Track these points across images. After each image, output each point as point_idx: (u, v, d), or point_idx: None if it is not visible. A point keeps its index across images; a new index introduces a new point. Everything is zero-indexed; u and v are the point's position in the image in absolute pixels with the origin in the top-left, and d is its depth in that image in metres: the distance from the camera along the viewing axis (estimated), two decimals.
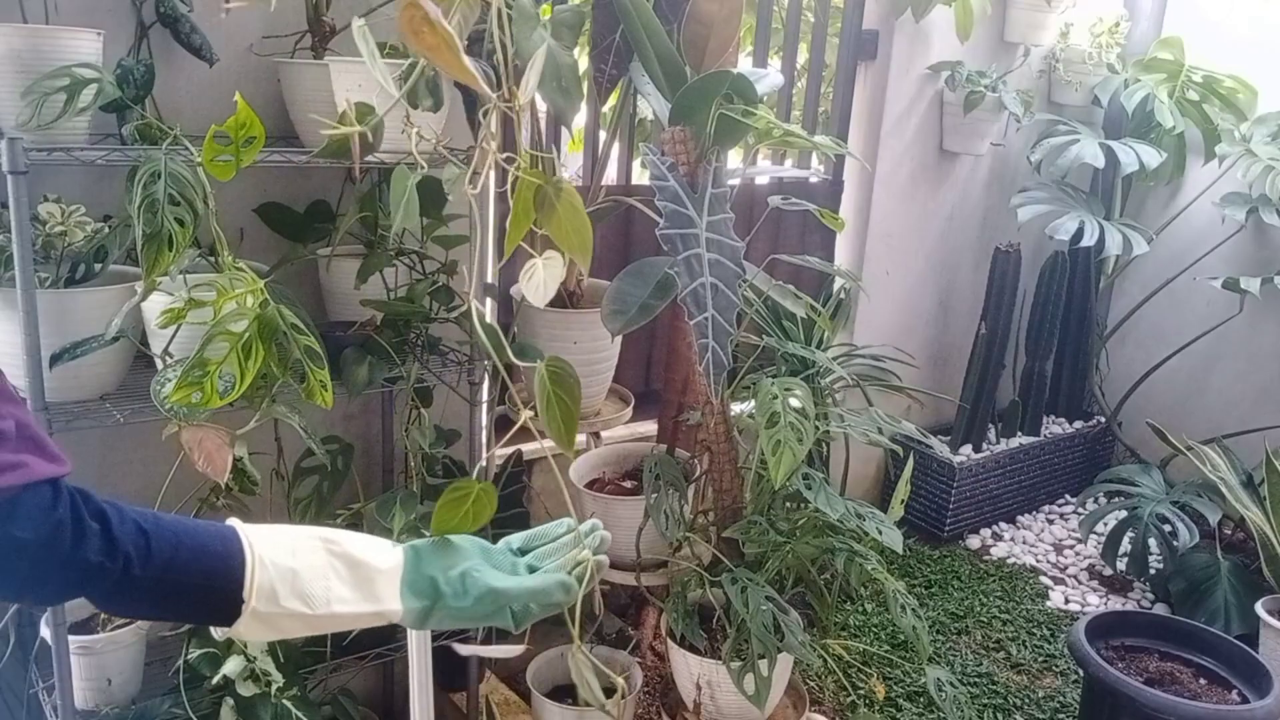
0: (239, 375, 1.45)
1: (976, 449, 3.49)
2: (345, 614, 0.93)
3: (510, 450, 2.42)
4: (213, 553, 0.87)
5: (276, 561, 0.90)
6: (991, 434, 3.57)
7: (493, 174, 2.07)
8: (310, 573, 0.91)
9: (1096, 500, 3.51)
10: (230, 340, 1.43)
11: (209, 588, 0.87)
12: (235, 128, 1.43)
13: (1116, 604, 3.15)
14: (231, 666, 1.67)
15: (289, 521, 2.00)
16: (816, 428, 1.95)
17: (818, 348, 2.67)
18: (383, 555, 0.97)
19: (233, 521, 0.92)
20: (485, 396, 2.13)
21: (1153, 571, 3.14)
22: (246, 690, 1.67)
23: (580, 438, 2.52)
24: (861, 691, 2.57)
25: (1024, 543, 3.49)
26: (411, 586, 0.97)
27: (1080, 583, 3.27)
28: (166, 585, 0.84)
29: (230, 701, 1.68)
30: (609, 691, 1.24)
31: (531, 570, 1.04)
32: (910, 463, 2.30)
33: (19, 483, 0.74)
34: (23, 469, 0.75)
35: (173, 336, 1.59)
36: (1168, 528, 3.04)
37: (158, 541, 0.83)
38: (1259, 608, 2.69)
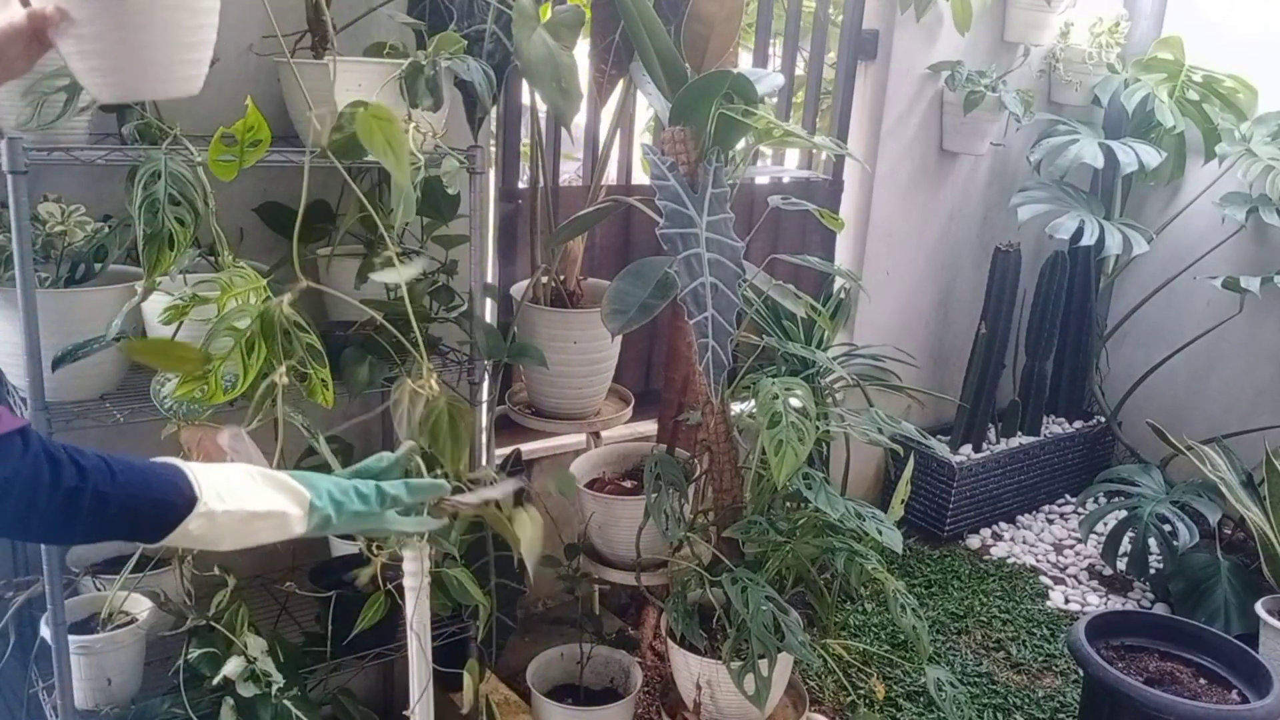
0: (242, 372, 1.45)
1: (976, 449, 3.49)
2: (267, 510, 1.11)
3: (510, 450, 2.42)
4: (159, 471, 1.05)
5: (209, 471, 1.09)
6: (991, 434, 3.57)
7: (493, 173, 2.07)
8: (237, 481, 1.10)
9: (1096, 500, 3.50)
10: (235, 336, 1.44)
11: (162, 500, 1.03)
12: (243, 130, 1.43)
13: (1116, 604, 3.15)
14: (232, 667, 1.66)
15: None
16: (817, 427, 1.95)
17: (818, 347, 2.67)
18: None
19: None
20: (485, 396, 2.13)
21: (1153, 571, 3.14)
22: (247, 691, 1.67)
23: (580, 437, 2.52)
24: (861, 691, 2.57)
25: (1024, 542, 3.49)
26: (315, 487, 1.17)
27: (1080, 582, 3.27)
28: (130, 500, 1.00)
29: (230, 701, 1.68)
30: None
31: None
32: (910, 463, 2.30)
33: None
34: None
35: (173, 336, 1.58)
36: (1168, 527, 3.04)
37: (116, 463, 1.00)
38: (1259, 607, 2.69)
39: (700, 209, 1.84)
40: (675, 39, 1.94)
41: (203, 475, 1.07)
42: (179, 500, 1.04)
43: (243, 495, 1.09)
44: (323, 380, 1.50)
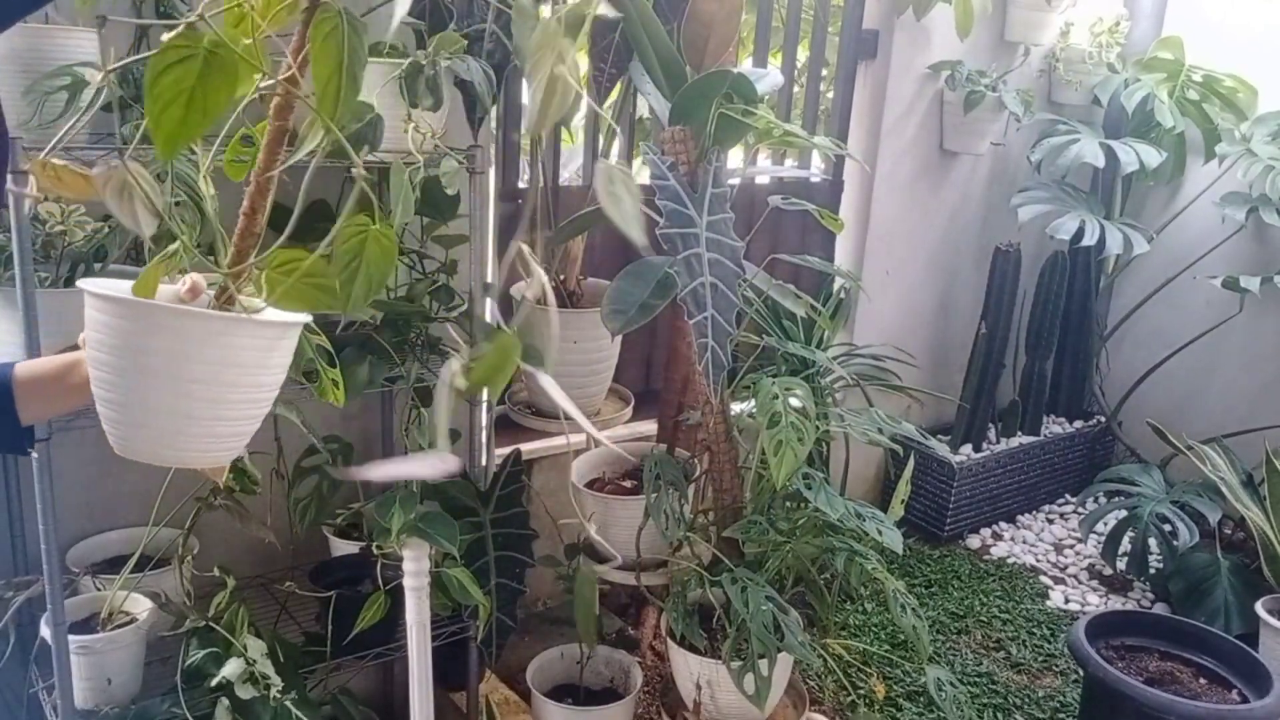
0: None
1: (976, 449, 3.49)
2: None
3: (510, 450, 2.42)
4: None
5: None
6: (991, 434, 3.57)
7: (492, 173, 2.06)
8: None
9: (1096, 500, 3.50)
10: None
11: None
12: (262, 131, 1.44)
13: (1116, 603, 3.15)
14: (231, 669, 1.66)
15: (290, 521, 2.01)
16: (817, 427, 1.95)
17: (818, 347, 2.67)
18: None
19: None
20: (485, 396, 2.13)
21: (1153, 571, 3.14)
22: (245, 693, 1.67)
23: (579, 437, 2.52)
24: (861, 691, 2.57)
25: (1024, 542, 3.49)
26: None
27: (1080, 582, 3.27)
28: None
29: (225, 702, 1.67)
30: None
31: None
32: (910, 462, 2.30)
33: None
34: None
35: None
36: (1168, 527, 3.03)
37: None
38: (1259, 607, 2.69)
39: (700, 209, 1.84)
40: (675, 39, 1.94)
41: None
42: None
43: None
44: (334, 380, 1.50)
